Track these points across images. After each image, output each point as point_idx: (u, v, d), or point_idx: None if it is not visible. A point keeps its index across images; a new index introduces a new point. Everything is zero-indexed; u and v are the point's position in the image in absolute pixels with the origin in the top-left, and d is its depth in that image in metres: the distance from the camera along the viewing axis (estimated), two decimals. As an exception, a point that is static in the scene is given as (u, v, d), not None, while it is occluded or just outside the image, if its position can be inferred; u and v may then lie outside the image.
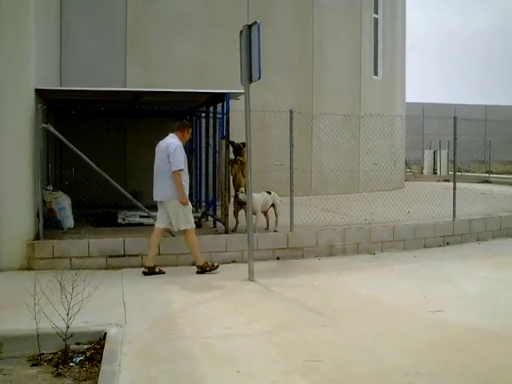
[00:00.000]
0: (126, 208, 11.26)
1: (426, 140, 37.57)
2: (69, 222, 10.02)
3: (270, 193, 10.42)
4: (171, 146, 8.56)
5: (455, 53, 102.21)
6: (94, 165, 9.30)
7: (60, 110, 12.68)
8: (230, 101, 11.16)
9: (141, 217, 10.70)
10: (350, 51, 17.92)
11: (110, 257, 8.97)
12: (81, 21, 14.20)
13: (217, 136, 11.57)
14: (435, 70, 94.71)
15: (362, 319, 6.59)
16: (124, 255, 9.02)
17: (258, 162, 15.72)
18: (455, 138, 11.77)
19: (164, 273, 8.62)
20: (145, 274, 8.52)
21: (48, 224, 9.85)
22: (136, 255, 9.05)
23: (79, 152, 9.22)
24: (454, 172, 12.05)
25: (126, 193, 9.48)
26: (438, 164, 28.08)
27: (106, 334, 5.90)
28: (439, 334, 6.04)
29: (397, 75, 20.34)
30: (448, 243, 11.17)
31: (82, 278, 5.60)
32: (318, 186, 16.55)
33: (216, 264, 8.81)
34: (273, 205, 10.34)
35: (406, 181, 21.80)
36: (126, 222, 10.52)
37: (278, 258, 9.72)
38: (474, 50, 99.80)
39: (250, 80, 8.23)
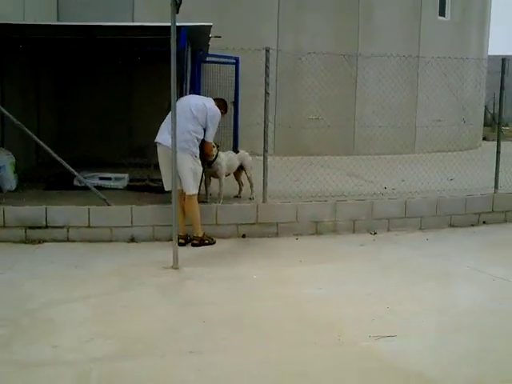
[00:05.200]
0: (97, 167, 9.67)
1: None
2: (9, 183, 8.49)
3: (237, 151, 8.34)
4: (214, 111, 7.16)
5: None
6: (14, 119, 7.65)
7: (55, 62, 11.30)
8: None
9: (101, 178, 9.00)
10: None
11: (30, 228, 7.34)
12: None
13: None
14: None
15: (263, 343, 4.52)
16: (46, 226, 7.36)
17: (290, 117, 13.65)
18: (502, 89, 9.00)
19: (214, 242, 7.33)
20: (194, 245, 7.21)
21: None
22: (61, 227, 7.38)
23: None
24: (499, 131, 9.29)
25: (61, 160, 7.76)
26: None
27: None
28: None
29: (473, 17, 17.08)
30: (484, 222, 8.61)
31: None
32: (363, 145, 14.11)
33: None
34: (242, 166, 8.26)
35: (487, 140, 18.59)
36: (83, 184, 8.81)
37: (243, 236, 7.71)
38: None
39: (176, 4, 6.12)
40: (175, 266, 6.32)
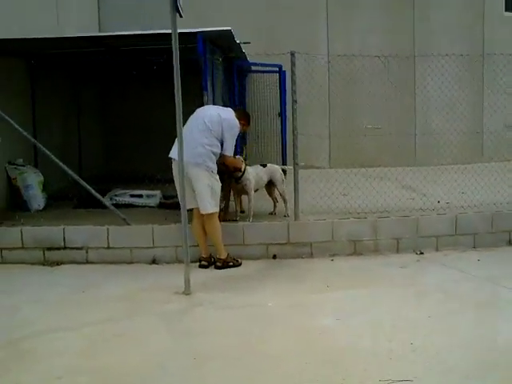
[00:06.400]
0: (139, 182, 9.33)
1: None
2: (37, 202, 8.29)
3: (264, 166, 7.74)
4: (230, 122, 6.60)
5: None
6: (30, 137, 7.43)
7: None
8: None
9: (132, 196, 8.67)
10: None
11: (48, 249, 7.05)
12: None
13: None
14: None
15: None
16: (65, 247, 7.05)
17: (345, 126, 12.91)
18: None
19: (240, 264, 6.76)
20: (218, 268, 6.68)
21: (18, 205, 8.28)
22: (79, 248, 7.04)
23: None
24: None
25: (79, 179, 7.47)
26: None
27: None
28: None
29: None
30: (553, 238, 7.63)
31: None
32: (425, 155, 13.18)
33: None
34: (271, 182, 7.66)
35: None
36: (114, 201, 8.48)
37: (274, 257, 7.10)
38: None
39: (177, 8, 5.64)
40: (187, 292, 5.81)
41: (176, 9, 5.60)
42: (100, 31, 12.14)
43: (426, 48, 12.76)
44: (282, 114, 11.05)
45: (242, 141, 9.34)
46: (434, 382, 3.90)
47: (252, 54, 8.93)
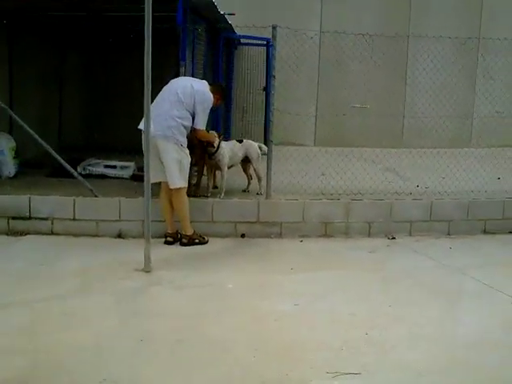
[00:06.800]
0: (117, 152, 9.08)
1: None
2: (7, 169, 8.08)
3: (240, 141, 7.54)
4: (203, 94, 6.33)
5: None
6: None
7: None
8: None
9: (106, 167, 8.47)
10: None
11: (14, 218, 6.85)
12: None
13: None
14: None
15: (194, 375, 3.79)
16: (30, 217, 6.86)
17: (333, 106, 12.67)
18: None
19: (206, 242, 6.56)
20: (183, 244, 6.51)
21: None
22: (45, 218, 6.86)
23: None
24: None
25: (49, 147, 7.24)
26: None
27: None
28: None
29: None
30: (529, 228, 7.50)
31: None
32: (412, 137, 13.01)
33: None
34: (247, 158, 7.47)
35: None
36: (87, 172, 8.30)
37: (242, 236, 6.95)
38: None
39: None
40: (147, 269, 5.65)
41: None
42: None
43: (421, 29, 12.44)
44: (268, 89, 10.80)
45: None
46: (382, 377, 3.77)
47: (235, 26, 8.67)
